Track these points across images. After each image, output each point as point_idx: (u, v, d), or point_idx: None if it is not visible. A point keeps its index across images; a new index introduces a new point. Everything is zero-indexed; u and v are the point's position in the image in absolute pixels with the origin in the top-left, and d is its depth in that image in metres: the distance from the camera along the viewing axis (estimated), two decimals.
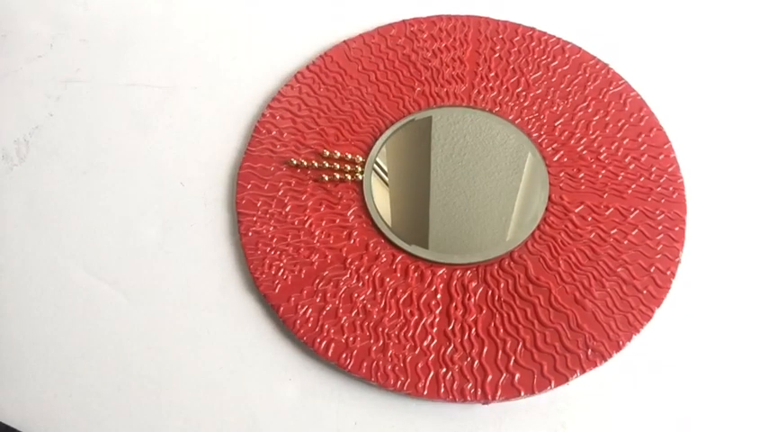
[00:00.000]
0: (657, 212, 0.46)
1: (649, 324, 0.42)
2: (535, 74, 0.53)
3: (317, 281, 0.44)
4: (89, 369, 0.42)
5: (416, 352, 0.42)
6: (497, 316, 0.43)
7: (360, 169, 0.49)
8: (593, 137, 0.50)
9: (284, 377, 0.42)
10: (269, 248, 0.46)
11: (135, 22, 0.57)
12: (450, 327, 0.42)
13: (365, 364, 0.41)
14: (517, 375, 0.41)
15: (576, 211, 0.47)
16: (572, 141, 0.50)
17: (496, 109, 0.51)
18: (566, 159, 0.49)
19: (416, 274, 0.44)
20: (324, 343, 0.42)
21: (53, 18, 0.58)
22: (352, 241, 0.46)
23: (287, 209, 0.47)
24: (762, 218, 0.47)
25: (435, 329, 0.42)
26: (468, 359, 0.41)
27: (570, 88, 0.52)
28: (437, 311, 0.43)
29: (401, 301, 0.43)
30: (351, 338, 0.42)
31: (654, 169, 0.48)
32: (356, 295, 0.44)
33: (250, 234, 0.46)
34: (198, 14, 0.57)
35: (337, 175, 0.48)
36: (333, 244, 0.46)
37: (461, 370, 0.41)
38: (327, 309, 0.43)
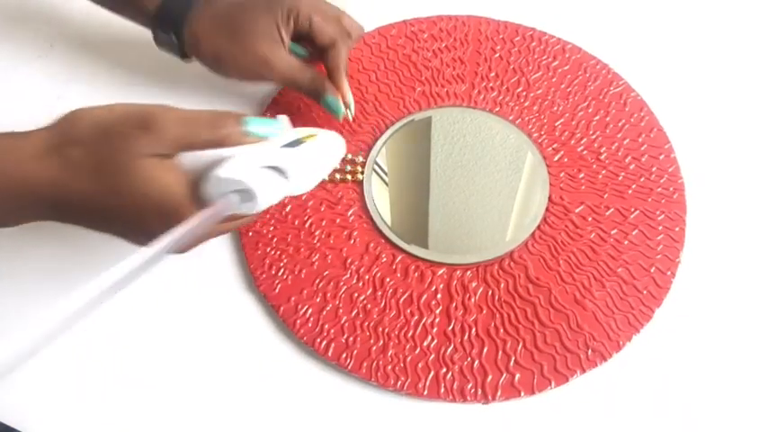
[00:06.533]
0: (657, 213, 0.46)
1: (649, 324, 0.42)
2: (535, 74, 0.53)
3: (318, 281, 0.44)
4: (89, 369, 0.42)
5: (416, 352, 0.42)
6: (497, 316, 0.43)
7: (360, 169, 0.49)
8: (594, 137, 0.50)
9: (284, 377, 0.42)
10: (269, 248, 0.46)
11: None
12: (451, 327, 0.42)
13: (365, 364, 0.41)
14: (517, 375, 0.41)
15: (577, 211, 0.47)
16: (572, 141, 0.50)
17: (497, 109, 0.51)
18: (566, 159, 0.49)
19: (416, 275, 0.44)
20: (324, 343, 0.42)
21: (53, 18, 0.58)
22: (352, 241, 0.46)
23: (287, 209, 0.47)
24: (761, 218, 0.47)
25: (435, 329, 0.42)
26: (469, 359, 0.41)
27: (571, 88, 0.52)
28: (437, 311, 0.43)
29: (401, 301, 0.43)
30: (351, 338, 0.42)
31: (654, 169, 0.48)
32: (356, 295, 0.44)
33: (250, 234, 0.46)
34: None
35: (337, 176, 0.48)
36: (333, 244, 0.46)
37: (461, 370, 0.41)
38: (327, 309, 0.43)
